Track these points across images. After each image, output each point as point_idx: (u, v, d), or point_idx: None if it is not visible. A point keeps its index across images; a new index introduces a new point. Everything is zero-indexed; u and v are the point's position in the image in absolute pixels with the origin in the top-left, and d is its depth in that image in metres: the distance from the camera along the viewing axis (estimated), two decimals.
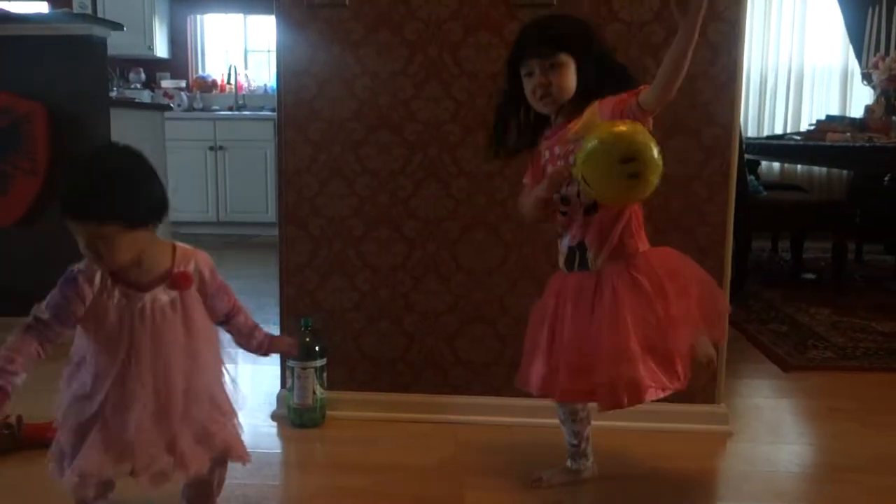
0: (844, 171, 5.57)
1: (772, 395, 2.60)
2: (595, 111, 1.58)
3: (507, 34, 2.14)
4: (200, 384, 1.51)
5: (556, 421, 1.90)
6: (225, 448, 1.56)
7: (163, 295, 1.46)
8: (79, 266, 1.42)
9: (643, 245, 1.67)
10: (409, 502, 1.83)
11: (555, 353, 1.68)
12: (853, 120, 4.68)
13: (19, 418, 2.01)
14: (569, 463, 1.89)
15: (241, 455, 1.58)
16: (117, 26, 3.17)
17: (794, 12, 5.94)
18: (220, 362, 1.58)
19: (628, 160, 1.43)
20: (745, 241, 4.02)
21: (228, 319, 1.60)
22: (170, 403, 1.46)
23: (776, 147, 4.95)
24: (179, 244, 1.52)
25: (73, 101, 2.98)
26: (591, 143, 1.46)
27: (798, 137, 4.85)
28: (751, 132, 5.95)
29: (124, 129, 3.19)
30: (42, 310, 1.41)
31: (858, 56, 5.64)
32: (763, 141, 5.26)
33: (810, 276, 4.49)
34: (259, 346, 1.65)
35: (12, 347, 1.38)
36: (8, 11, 3.50)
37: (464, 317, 2.28)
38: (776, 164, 5.94)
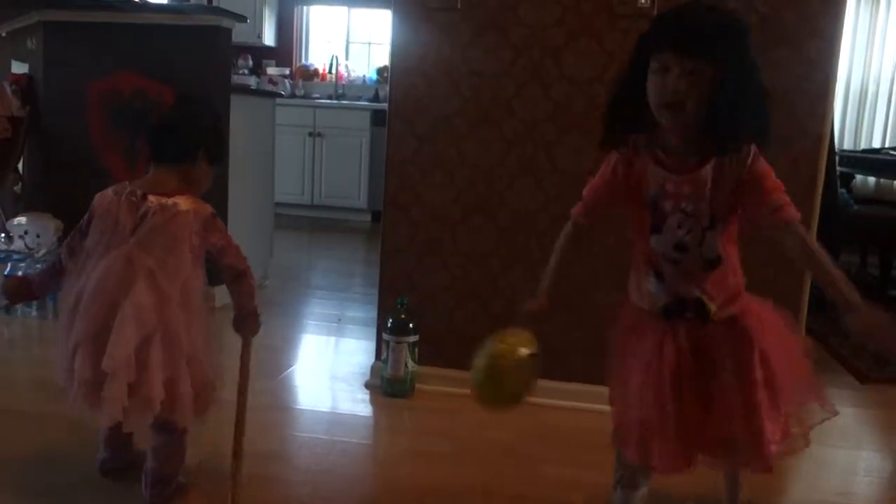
0: None
1: (847, 405, 2.65)
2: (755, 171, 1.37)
3: (607, 42, 2.27)
4: None
5: None
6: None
7: None
8: None
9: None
10: (488, 470, 2.00)
11: (682, 422, 1.42)
12: None
13: None
14: None
15: None
16: (241, 18, 3.43)
17: None
18: None
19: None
20: (831, 254, 4.00)
21: None
22: None
23: (871, 161, 4.87)
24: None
25: (199, 87, 3.24)
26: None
27: (895, 153, 4.77)
28: (847, 144, 5.84)
29: (241, 113, 3.44)
30: None
31: None
32: (859, 154, 5.18)
33: None
34: None
35: None
36: (146, 1, 3.81)
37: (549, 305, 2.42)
38: (871, 179, 5.81)
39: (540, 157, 2.37)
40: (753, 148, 1.37)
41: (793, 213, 1.38)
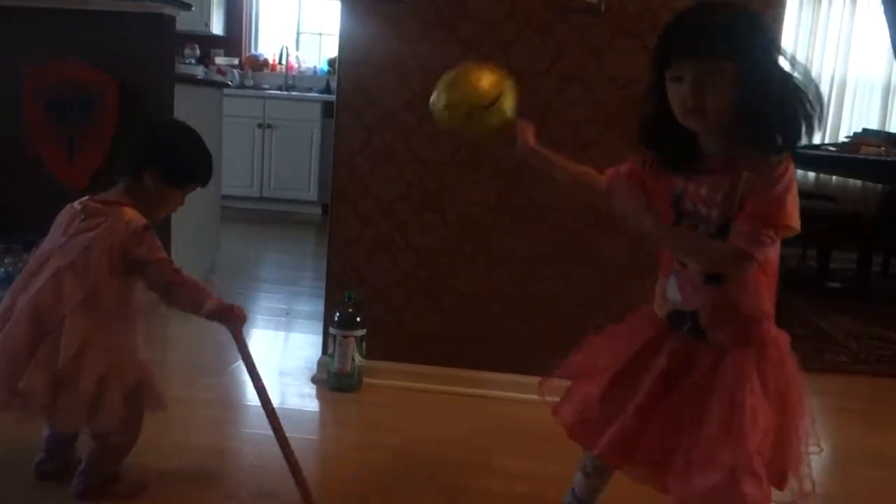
0: (880, 185, 5.61)
1: None
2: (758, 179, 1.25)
3: (557, 34, 2.29)
4: None
5: None
6: None
7: None
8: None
9: (772, 323, 1.36)
10: (437, 463, 2.00)
11: (638, 420, 1.37)
12: (889, 134, 4.74)
13: None
14: None
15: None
16: (186, 6, 3.35)
17: (841, 23, 5.97)
18: None
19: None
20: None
21: None
22: None
23: (811, 157, 5.00)
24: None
25: (142, 76, 3.15)
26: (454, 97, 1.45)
27: (833, 148, 4.91)
28: None
29: (186, 104, 3.37)
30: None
31: None
32: (798, 150, 5.30)
33: (835, 284, 4.58)
34: None
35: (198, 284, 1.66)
36: None
37: (497, 300, 2.44)
38: (811, 174, 5.99)
39: (487, 154, 2.37)
40: (775, 162, 1.27)
41: (745, 245, 1.24)
